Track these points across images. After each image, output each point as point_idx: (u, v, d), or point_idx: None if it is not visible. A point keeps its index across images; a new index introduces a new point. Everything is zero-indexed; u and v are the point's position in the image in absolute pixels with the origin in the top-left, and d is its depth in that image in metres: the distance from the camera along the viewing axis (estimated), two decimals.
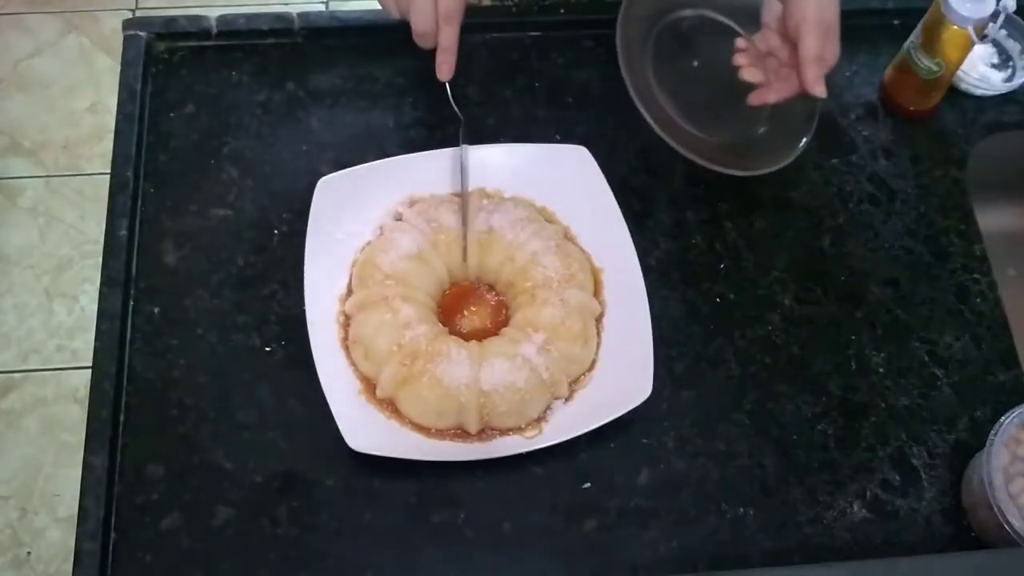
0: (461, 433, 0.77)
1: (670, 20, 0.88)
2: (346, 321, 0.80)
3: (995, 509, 0.71)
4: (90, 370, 0.79)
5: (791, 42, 0.82)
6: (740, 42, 0.88)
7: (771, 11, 0.85)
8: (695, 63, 0.91)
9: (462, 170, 0.85)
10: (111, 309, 0.81)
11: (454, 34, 0.83)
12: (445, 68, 0.84)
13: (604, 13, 0.90)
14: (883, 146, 0.95)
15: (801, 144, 0.87)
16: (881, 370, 0.84)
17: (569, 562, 0.75)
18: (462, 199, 0.84)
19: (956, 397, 0.83)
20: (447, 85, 0.86)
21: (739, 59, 0.87)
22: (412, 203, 0.85)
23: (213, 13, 0.97)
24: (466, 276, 0.84)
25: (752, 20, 0.87)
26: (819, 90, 0.81)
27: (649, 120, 0.83)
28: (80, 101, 2.01)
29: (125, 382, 0.79)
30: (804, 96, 0.83)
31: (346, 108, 0.94)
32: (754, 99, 0.86)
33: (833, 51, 0.82)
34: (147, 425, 0.78)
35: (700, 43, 0.90)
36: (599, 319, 0.82)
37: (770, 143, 0.89)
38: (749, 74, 0.86)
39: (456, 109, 0.87)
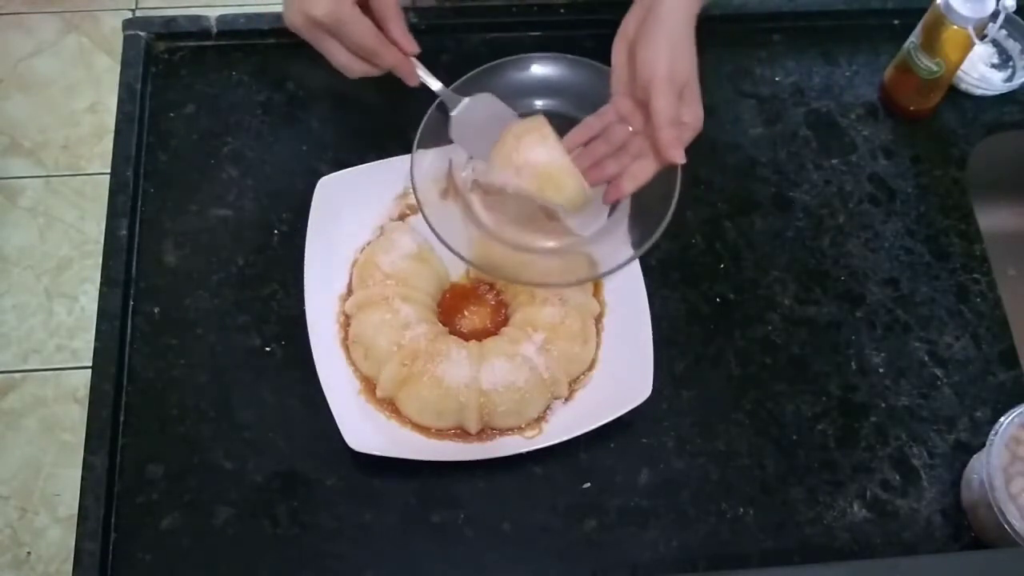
0: (461, 433, 0.77)
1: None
2: (346, 321, 0.80)
3: (995, 509, 0.71)
4: (90, 370, 0.79)
5: (644, 106, 0.70)
6: (577, 134, 0.75)
7: (619, 76, 0.73)
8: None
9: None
10: (111, 309, 0.81)
11: (394, 54, 0.75)
12: (412, 79, 0.77)
13: (604, 13, 0.90)
14: (883, 146, 0.95)
15: (658, 232, 0.72)
16: (881, 370, 0.84)
17: (569, 562, 0.75)
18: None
19: (956, 397, 0.83)
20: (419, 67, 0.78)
21: (581, 160, 0.74)
22: (410, 206, 0.85)
23: (213, 13, 0.97)
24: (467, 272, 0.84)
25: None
26: (675, 154, 0.68)
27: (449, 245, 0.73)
28: (80, 101, 2.01)
29: (125, 382, 0.79)
30: (663, 171, 0.72)
31: (346, 108, 0.94)
32: (611, 196, 0.73)
33: (694, 112, 0.70)
34: (147, 425, 0.78)
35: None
36: (599, 319, 0.82)
37: (616, 239, 0.76)
38: (594, 175, 0.73)
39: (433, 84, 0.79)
